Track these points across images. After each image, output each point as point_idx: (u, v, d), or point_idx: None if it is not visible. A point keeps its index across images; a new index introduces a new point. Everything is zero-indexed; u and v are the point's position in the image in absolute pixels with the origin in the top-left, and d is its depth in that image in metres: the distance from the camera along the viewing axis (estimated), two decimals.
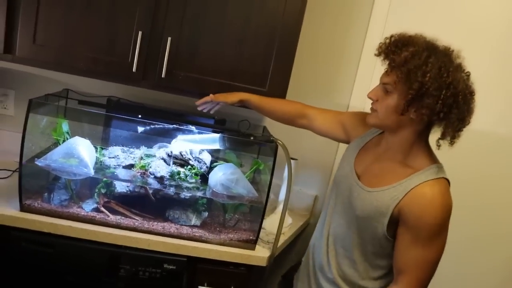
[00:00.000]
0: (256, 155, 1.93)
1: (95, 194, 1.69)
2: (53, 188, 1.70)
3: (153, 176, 1.69)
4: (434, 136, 1.31)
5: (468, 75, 1.26)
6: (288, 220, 1.98)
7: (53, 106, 1.74)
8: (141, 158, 1.74)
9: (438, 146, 1.29)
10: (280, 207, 2.03)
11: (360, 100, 2.09)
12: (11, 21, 1.66)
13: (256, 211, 1.86)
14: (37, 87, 2.02)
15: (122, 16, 1.69)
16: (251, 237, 1.73)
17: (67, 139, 1.71)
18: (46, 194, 1.67)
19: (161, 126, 1.75)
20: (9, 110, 2.05)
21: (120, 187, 1.68)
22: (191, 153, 1.75)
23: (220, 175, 1.68)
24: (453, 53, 1.27)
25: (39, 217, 1.59)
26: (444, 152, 1.30)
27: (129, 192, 1.68)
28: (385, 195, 1.32)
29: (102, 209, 1.66)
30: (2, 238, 1.57)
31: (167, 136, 1.78)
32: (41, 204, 1.63)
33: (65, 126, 1.71)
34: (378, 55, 1.33)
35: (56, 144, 1.73)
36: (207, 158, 1.80)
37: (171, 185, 1.69)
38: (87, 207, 1.67)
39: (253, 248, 1.72)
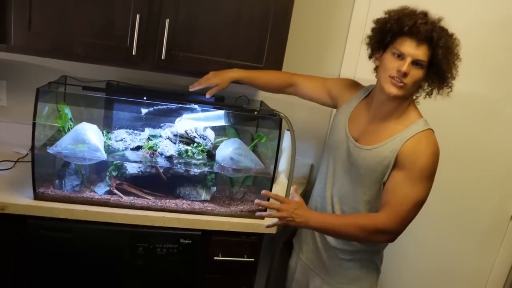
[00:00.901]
0: (255, 128, 2.01)
1: (107, 177, 1.73)
2: (63, 174, 1.72)
3: (162, 156, 1.73)
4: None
5: None
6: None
7: (57, 93, 1.73)
8: (149, 139, 1.78)
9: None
10: (281, 177, 2.13)
11: (350, 68, 2.21)
12: (3, 9, 1.63)
13: (260, 182, 1.95)
14: (28, 76, 2.01)
15: (118, 0, 1.69)
16: (260, 207, 1.82)
17: (71, 126, 1.72)
18: (57, 181, 1.69)
19: (164, 106, 1.78)
20: (1, 100, 2.02)
21: (131, 168, 1.72)
22: (196, 131, 1.81)
23: (230, 150, 1.74)
24: None
25: (54, 204, 1.61)
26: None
27: (140, 173, 1.73)
28: (384, 149, 1.46)
29: (115, 191, 1.70)
30: (19, 228, 1.59)
31: (171, 116, 1.81)
32: (54, 191, 1.64)
33: (68, 113, 1.72)
34: (399, 29, 1.40)
35: (60, 131, 1.74)
36: (211, 134, 1.86)
37: (180, 163, 1.75)
38: (100, 191, 1.70)
39: (262, 218, 1.81)
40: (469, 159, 2.36)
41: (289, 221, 1.48)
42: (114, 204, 1.68)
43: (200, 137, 1.82)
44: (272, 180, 1.77)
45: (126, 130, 1.85)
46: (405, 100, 1.47)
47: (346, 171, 1.58)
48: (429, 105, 1.53)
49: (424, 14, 1.40)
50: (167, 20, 1.72)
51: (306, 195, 2.32)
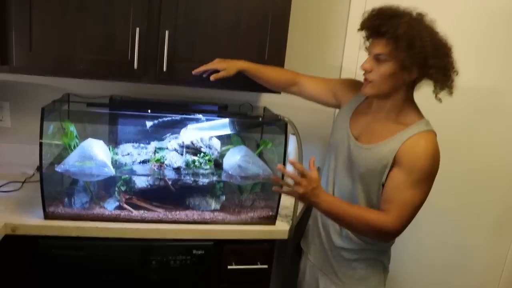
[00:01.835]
0: (260, 135, 2.01)
1: (116, 192, 1.72)
2: (72, 192, 1.71)
3: (170, 168, 1.73)
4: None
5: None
6: None
7: (60, 112, 1.74)
8: (155, 151, 1.78)
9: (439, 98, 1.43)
10: (289, 181, 2.11)
11: (351, 60, 2.22)
12: (3, 32, 1.64)
13: (269, 189, 1.94)
14: (31, 96, 2.01)
15: (117, 15, 1.69)
16: (270, 213, 1.82)
17: (77, 143, 1.72)
18: (66, 199, 1.69)
19: (168, 118, 1.78)
20: (5, 122, 2.02)
21: (140, 182, 1.72)
22: (202, 141, 1.81)
23: (238, 158, 1.74)
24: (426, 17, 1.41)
25: (64, 223, 1.61)
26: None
27: (149, 186, 1.72)
28: (383, 148, 1.46)
29: (125, 206, 1.69)
30: (31, 248, 1.59)
31: (175, 127, 1.82)
32: (64, 210, 1.64)
33: (73, 130, 1.72)
34: (362, 29, 1.45)
35: (66, 149, 1.73)
36: (216, 143, 1.86)
37: (187, 174, 1.74)
38: (110, 206, 1.70)
39: (273, 223, 1.80)
40: (475, 151, 2.36)
41: (303, 198, 1.47)
42: (124, 219, 1.67)
43: (206, 147, 1.82)
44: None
45: (132, 144, 1.85)
46: (392, 98, 1.47)
47: (346, 169, 1.59)
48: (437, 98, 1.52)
49: (379, 10, 1.41)
50: (167, 32, 1.72)
51: None
